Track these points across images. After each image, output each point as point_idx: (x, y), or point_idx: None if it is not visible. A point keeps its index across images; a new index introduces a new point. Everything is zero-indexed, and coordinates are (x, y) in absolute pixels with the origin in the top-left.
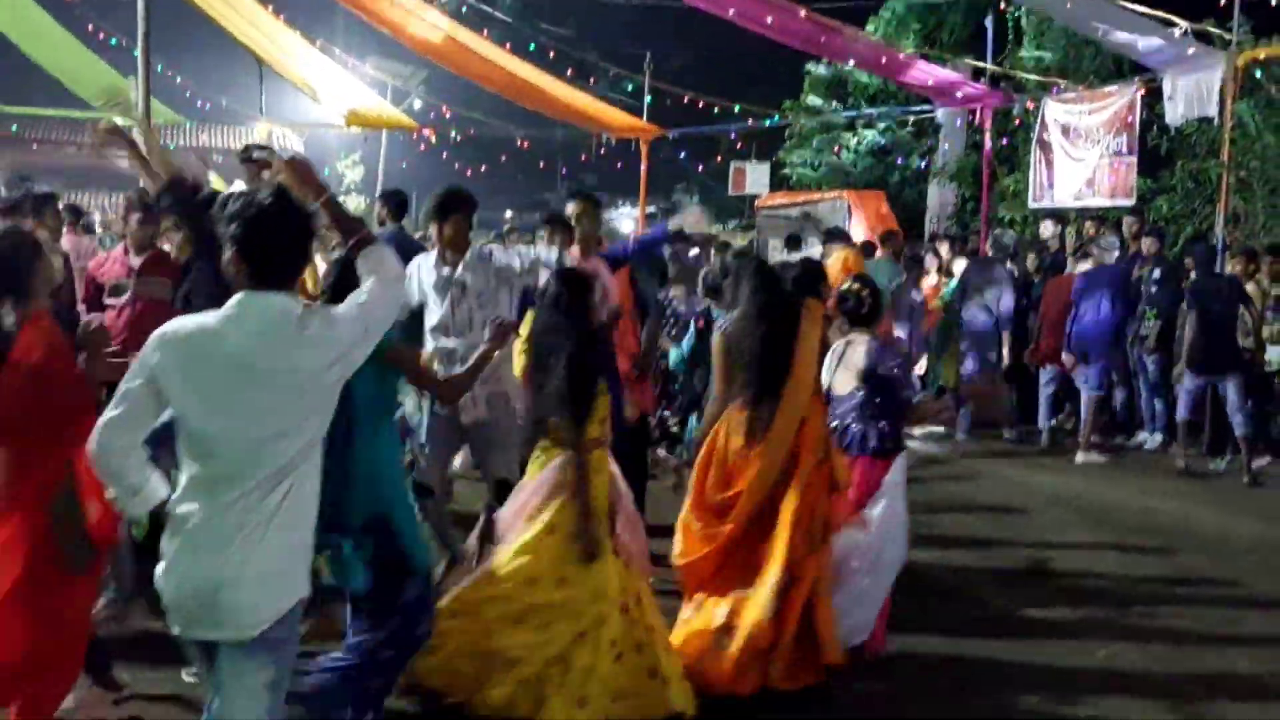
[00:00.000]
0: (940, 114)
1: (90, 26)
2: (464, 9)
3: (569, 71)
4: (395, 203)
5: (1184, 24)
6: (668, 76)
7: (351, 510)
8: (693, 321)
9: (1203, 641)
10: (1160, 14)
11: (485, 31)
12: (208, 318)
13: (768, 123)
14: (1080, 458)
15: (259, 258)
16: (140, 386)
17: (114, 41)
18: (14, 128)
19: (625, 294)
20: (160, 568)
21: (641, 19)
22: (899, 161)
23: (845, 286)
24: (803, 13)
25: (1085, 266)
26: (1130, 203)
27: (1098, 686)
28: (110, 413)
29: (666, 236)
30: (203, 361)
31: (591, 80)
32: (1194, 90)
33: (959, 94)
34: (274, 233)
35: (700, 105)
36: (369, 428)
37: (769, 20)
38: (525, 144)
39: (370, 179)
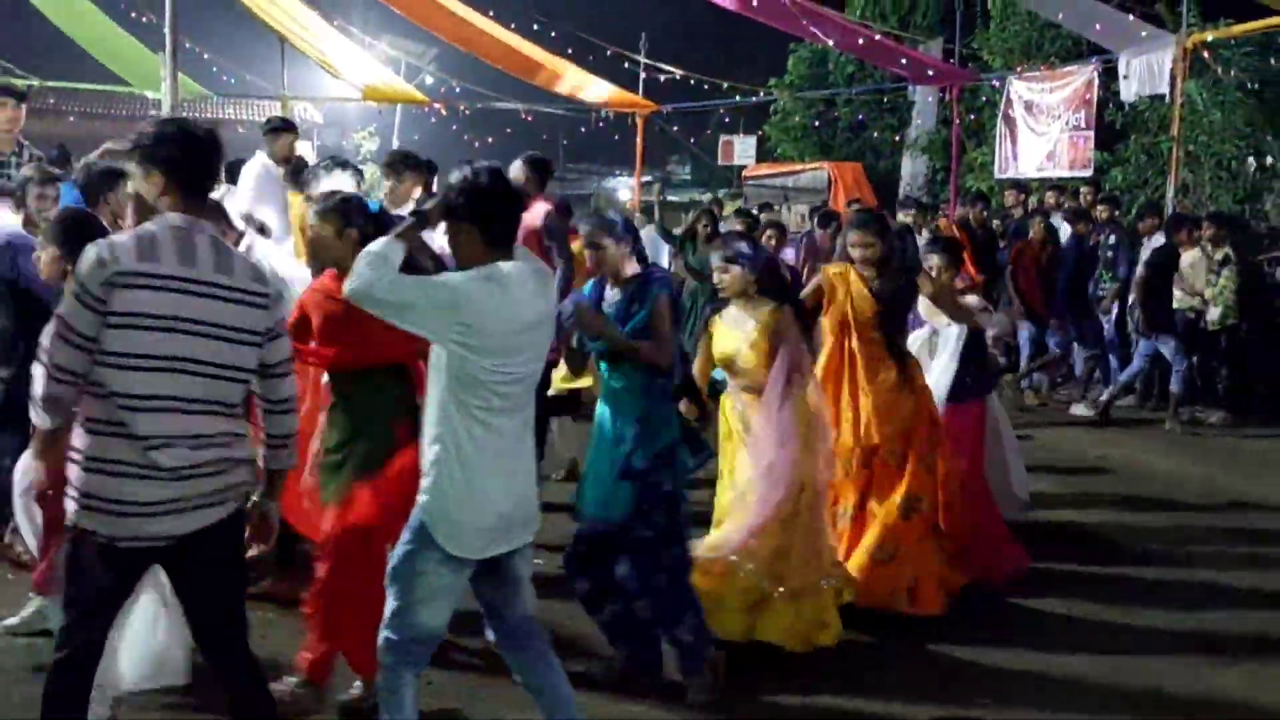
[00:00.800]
0: (913, 91)
1: (123, 5)
2: None
3: (570, 50)
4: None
5: (1138, 8)
6: (662, 55)
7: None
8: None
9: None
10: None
11: (491, 13)
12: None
13: (754, 99)
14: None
15: (502, 230)
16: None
17: (144, 19)
18: (52, 100)
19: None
20: (461, 498)
21: (637, 2)
22: (875, 135)
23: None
24: None
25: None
26: (1088, 174)
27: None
28: None
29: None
30: (506, 309)
31: (590, 58)
32: (1146, 70)
33: (930, 73)
34: (513, 204)
35: (691, 82)
36: None
37: (755, 3)
38: (529, 118)
39: (385, 149)
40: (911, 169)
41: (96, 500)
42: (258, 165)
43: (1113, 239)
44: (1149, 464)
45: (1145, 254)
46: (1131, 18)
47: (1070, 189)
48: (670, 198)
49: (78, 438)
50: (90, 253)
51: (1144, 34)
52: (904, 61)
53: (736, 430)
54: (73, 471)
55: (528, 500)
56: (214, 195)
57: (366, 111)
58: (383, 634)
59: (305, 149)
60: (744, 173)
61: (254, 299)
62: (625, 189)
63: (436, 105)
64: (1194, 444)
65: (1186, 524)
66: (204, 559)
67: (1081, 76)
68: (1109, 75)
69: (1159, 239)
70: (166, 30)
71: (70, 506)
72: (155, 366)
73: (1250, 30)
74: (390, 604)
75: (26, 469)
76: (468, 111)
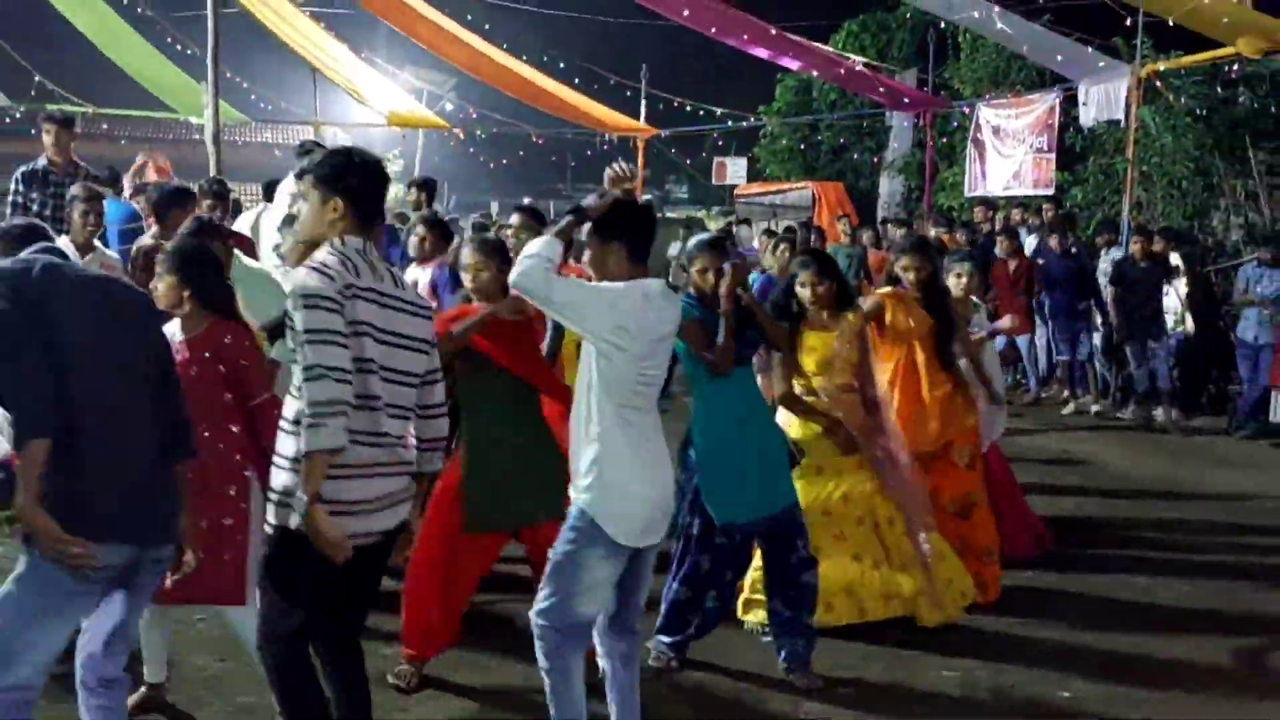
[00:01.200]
0: (890, 117)
1: (169, 39)
2: (487, 26)
3: (577, 79)
4: (428, 188)
5: (1096, 41)
6: (661, 84)
7: None
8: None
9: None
10: (1076, 33)
11: (505, 45)
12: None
13: (745, 124)
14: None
15: (643, 248)
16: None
17: (189, 51)
18: (105, 126)
19: None
20: (624, 491)
21: (638, 36)
22: (855, 157)
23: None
24: (773, 30)
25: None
26: (1050, 192)
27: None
28: None
29: None
30: (649, 318)
31: (595, 87)
32: (1104, 98)
33: (905, 101)
34: (653, 229)
35: (688, 109)
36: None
37: (745, 36)
38: (540, 141)
39: (409, 170)
40: (889, 188)
41: (333, 503)
42: (291, 184)
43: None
44: (1106, 457)
45: (1103, 264)
46: (1090, 50)
47: (1034, 206)
48: (668, 214)
49: (289, 443)
50: (310, 272)
51: (1102, 65)
52: (881, 90)
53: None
54: (285, 478)
55: (669, 495)
56: (252, 212)
57: (391, 136)
58: (540, 624)
59: None
60: (735, 191)
61: (423, 311)
62: None
63: (455, 130)
64: (1149, 439)
65: (1140, 510)
66: (383, 555)
67: (1044, 103)
68: (1070, 102)
69: (1116, 252)
70: (209, 61)
71: (282, 510)
72: (379, 374)
73: (1198, 61)
74: (550, 598)
75: None
76: (484, 135)
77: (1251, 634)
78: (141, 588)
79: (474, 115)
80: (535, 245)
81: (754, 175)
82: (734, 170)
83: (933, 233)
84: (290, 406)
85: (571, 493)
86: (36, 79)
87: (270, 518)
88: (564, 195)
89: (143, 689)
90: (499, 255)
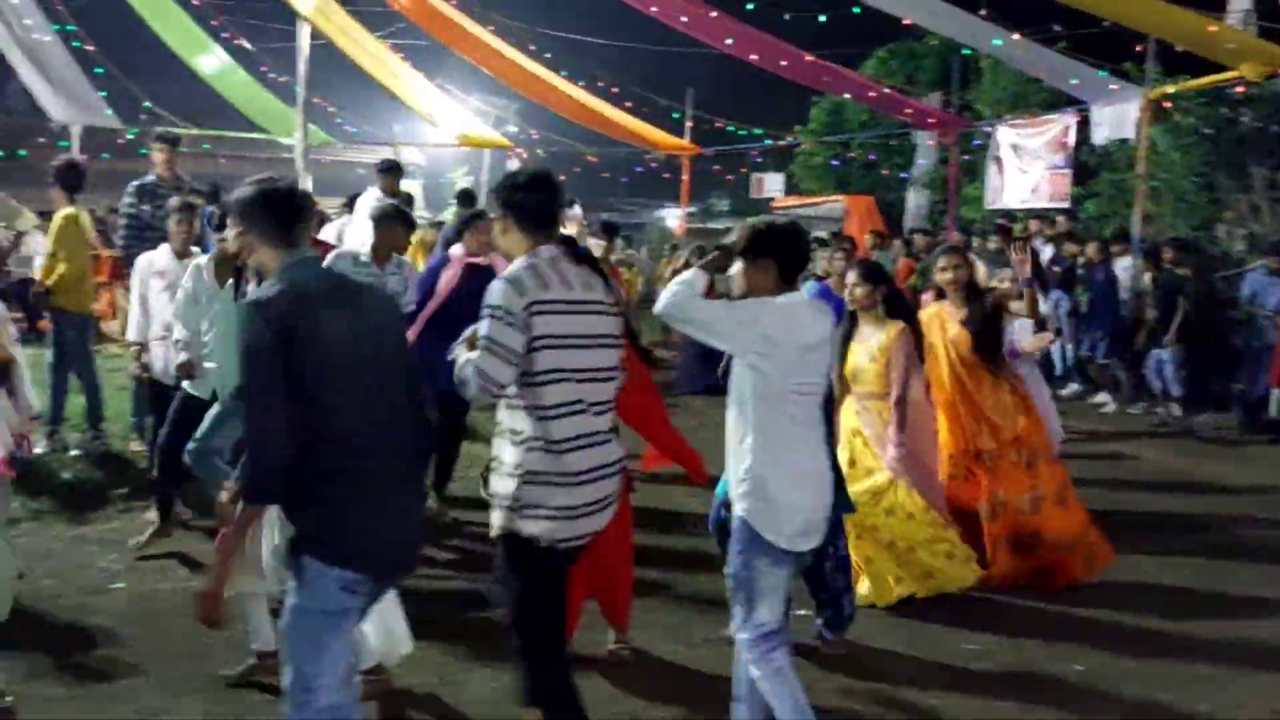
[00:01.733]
0: (916, 136)
1: (262, 67)
2: (548, 55)
3: (628, 103)
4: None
5: (1109, 65)
6: (705, 106)
7: None
8: None
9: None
10: (1089, 59)
11: (564, 72)
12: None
13: (782, 142)
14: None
15: (794, 266)
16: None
17: (281, 79)
18: (207, 145)
19: None
20: (780, 500)
21: (685, 63)
22: (884, 173)
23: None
24: (809, 57)
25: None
26: (1065, 205)
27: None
28: None
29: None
30: (793, 330)
31: (645, 110)
32: (1116, 118)
33: (930, 121)
34: (806, 248)
35: (729, 128)
36: None
37: (783, 63)
38: (594, 159)
39: (477, 185)
40: (915, 201)
41: (539, 508)
42: (371, 198)
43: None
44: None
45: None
46: (1102, 74)
47: (1049, 218)
48: (710, 225)
49: (510, 452)
50: (502, 285)
51: (1114, 87)
52: (908, 111)
53: (859, 429)
54: (509, 484)
55: (826, 500)
56: (337, 223)
57: (461, 154)
58: (741, 638)
59: (411, 185)
60: (772, 203)
61: (609, 309)
62: (673, 218)
63: (518, 149)
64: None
65: (1160, 499)
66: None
67: (1060, 124)
68: (1084, 122)
69: (1127, 260)
70: (299, 87)
71: (509, 516)
72: (574, 379)
73: (1204, 84)
74: (739, 609)
75: None
76: (543, 154)
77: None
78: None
79: (535, 136)
80: (685, 276)
81: (790, 189)
82: (771, 185)
83: (992, 244)
84: (508, 417)
85: (733, 502)
86: (146, 104)
87: (497, 523)
88: (615, 208)
89: (250, 661)
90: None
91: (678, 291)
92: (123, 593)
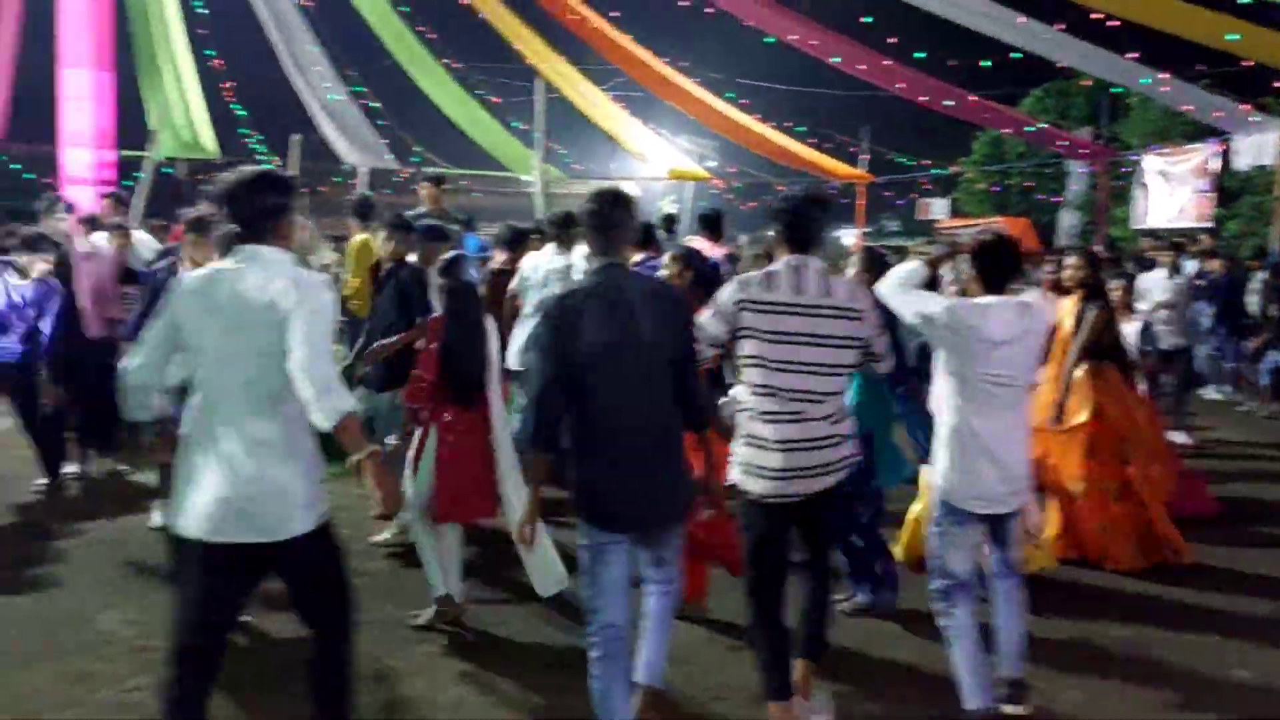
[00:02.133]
0: (1069, 165)
1: (506, 117)
2: (746, 101)
3: (813, 140)
4: (670, 222)
5: (1249, 100)
6: (879, 141)
7: None
8: None
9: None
10: (1230, 94)
11: (759, 115)
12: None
13: (947, 172)
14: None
15: (998, 277)
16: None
17: (520, 125)
18: (464, 182)
19: None
20: (961, 471)
21: (861, 104)
22: (1038, 197)
23: None
24: (972, 98)
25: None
26: (1209, 225)
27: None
28: None
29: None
30: (980, 328)
31: (827, 145)
32: (1256, 146)
33: (1082, 152)
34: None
35: (899, 159)
36: None
37: (949, 103)
38: (782, 188)
39: (683, 212)
40: (1068, 221)
41: (756, 468)
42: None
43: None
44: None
45: (1254, 284)
46: (1243, 107)
47: (1192, 236)
48: (881, 244)
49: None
50: (730, 285)
51: (1253, 119)
52: (1063, 144)
53: None
54: (739, 448)
55: (1015, 478)
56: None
57: (669, 186)
58: (931, 588)
59: None
60: (936, 225)
61: (850, 313)
62: (849, 237)
63: (717, 181)
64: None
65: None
66: (815, 514)
67: (1204, 152)
68: (1226, 150)
69: (1263, 275)
70: (537, 133)
71: (739, 474)
72: (769, 367)
73: None
74: (932, 566)
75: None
76: (738, 185)
77: None
78: (655, 542)
79: (731, 170)
80: (904, 267)
81: (954, 212)
82: (937, 208)
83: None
84: (740, 390)
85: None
86: (417, 149)
87: (737, 482)
88: None
89: (433, 607)
90: (686, 262)
91: (893, 279)
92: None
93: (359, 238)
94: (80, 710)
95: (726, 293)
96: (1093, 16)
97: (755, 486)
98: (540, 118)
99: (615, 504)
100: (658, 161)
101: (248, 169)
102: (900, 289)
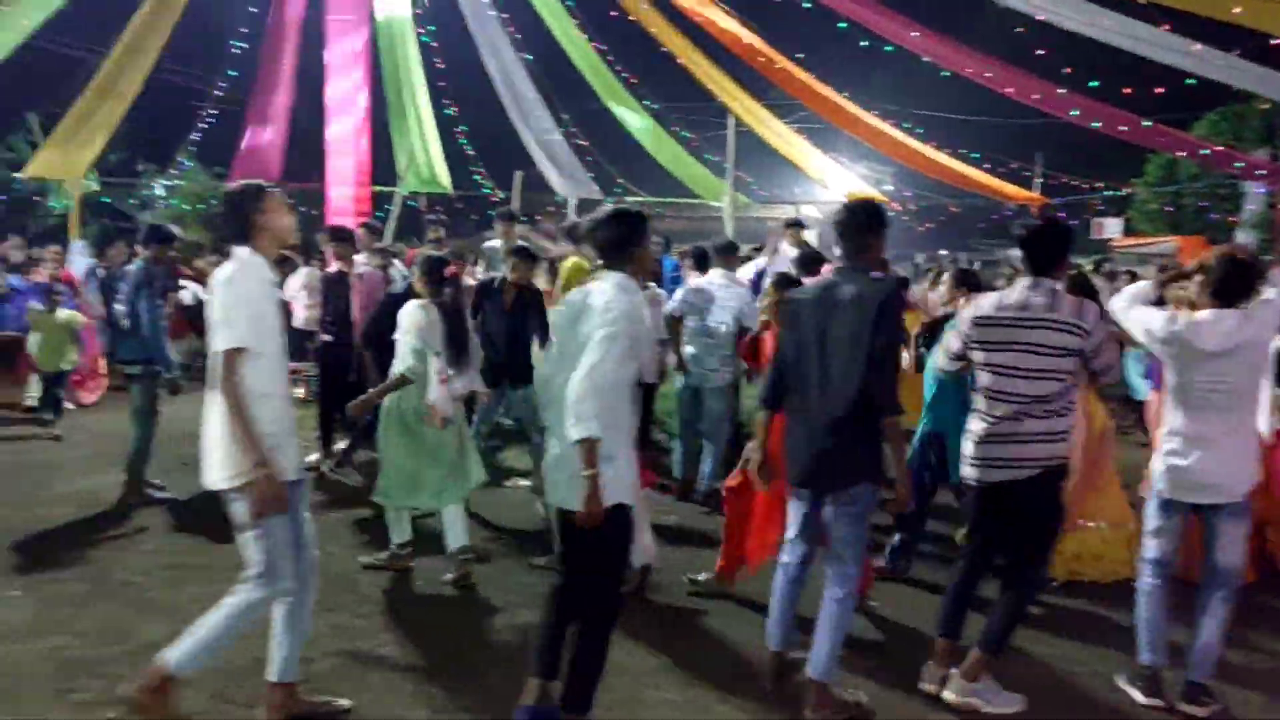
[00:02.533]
0: (1244, 185)
1: (697, 150)
2: (920, 130)
3: (988, 165)
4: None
5: None
6: (1053, 165)
7: None
8: None
9: None
10: None
11: (934, 142)
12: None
13: (1119, 193)
14: None
15: (1230, 293)
16: None
17: (711, 157)
18: (659, 210)
19: None
20: (1173, 463)
21: (1035, 131)
22: (1212, 217)
23: None
24: (1145, 123)
25: None
26: None
27: None
28: None
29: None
30: (1194, 340)
31: (1002, 169)
32: None
33: (1257, 173)
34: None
35: (1073, 181)
36: None
37: (1122, 128)
38: (955, 210)
39: None
40: (1243, 240)
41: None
42: (781, 244)
43: None
44: None
45: None
46: None
47: None
48: None
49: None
50: (972, 305)
51: None
52: (1239, 165)
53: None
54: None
55: (1226, 473)
56: (753, 263)
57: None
58: (1140, 561)
59: (810, 236)
60: (1110, 243)
61: (1071, 328)
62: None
63: (894, 204)
64: None
65: None
66: (1020, 504)
67: None
68: None
69: None
70: (728, 165)
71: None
72: (994, 371)
73: None
74: (1145, 541)
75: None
76: (914, 207)
77: None
78: (833, 513)
79: (908, 193)
80: (1133, 287)
81: (1127, 231)
82: (1110, 228)
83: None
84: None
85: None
86: (619, 180)
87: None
88: (973, 247)
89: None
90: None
91: (1129, 296)
92: None
93: (572, 260)
94: None
95: (965, 310)
96: (1273, 43)
97: (965, 472)
98: (731, 150)
99: (800, 463)
100: (836, 185)
101: (607, 207)
102: (1128, 306)
